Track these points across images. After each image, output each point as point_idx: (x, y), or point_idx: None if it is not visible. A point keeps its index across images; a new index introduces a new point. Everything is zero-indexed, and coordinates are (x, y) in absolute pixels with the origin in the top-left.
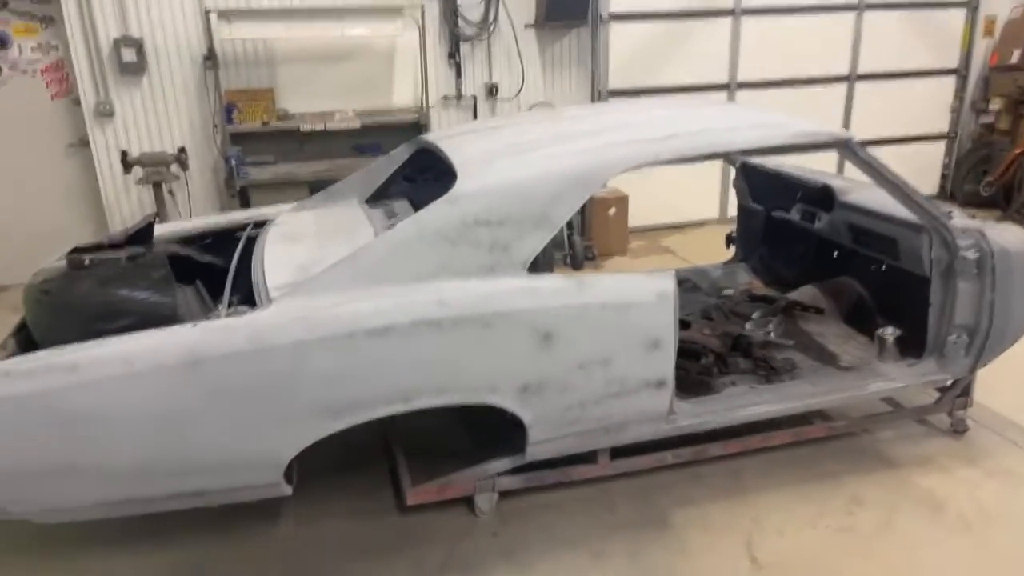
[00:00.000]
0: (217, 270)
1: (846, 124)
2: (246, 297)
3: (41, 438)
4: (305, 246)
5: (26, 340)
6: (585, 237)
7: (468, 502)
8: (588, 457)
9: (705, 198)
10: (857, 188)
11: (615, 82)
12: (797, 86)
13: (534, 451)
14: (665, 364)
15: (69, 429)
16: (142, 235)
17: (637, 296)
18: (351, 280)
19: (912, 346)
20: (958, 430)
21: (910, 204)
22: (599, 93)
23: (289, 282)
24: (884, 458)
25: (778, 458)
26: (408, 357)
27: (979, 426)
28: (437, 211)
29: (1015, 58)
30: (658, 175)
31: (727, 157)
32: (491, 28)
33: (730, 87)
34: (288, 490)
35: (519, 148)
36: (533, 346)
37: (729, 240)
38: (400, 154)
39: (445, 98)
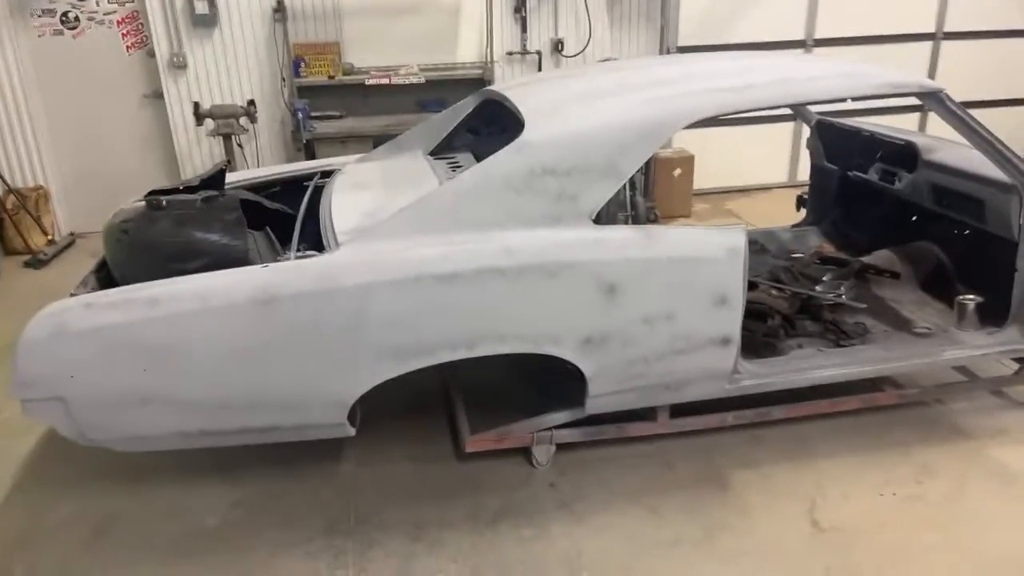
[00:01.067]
0: (285, 217)
1: None
2: (312, 244)
3: (122, 368)
4: (371, 194)
5: (106, 278)
6: (648, 198)
7: (525, 453)
8: (647, 414)
9: (774, 161)
10: (943, 146)
11: (685, 39)
12: (878, 43)
13: (593, 404)
14: (732, 322)
15: (148, 360)
16: (214, 181)
17: (706, 251)
18: (417, 226)
19: (994, 315)
20: None
21: (1003, 162)
22: (668, 49)
23: (356, 227)
24: (957, 429)
25: (845, 425)
26: (472, 304)
27: None
28: (504, 159)
29: None
30: (725, 136)
31: (802, 114)
32: None
33: (806, 44)
34: (351, 431)
35: (588, 97)
36: (597, 298)
37: (800, 202)
38: (465, 106)
39: (510, 54)
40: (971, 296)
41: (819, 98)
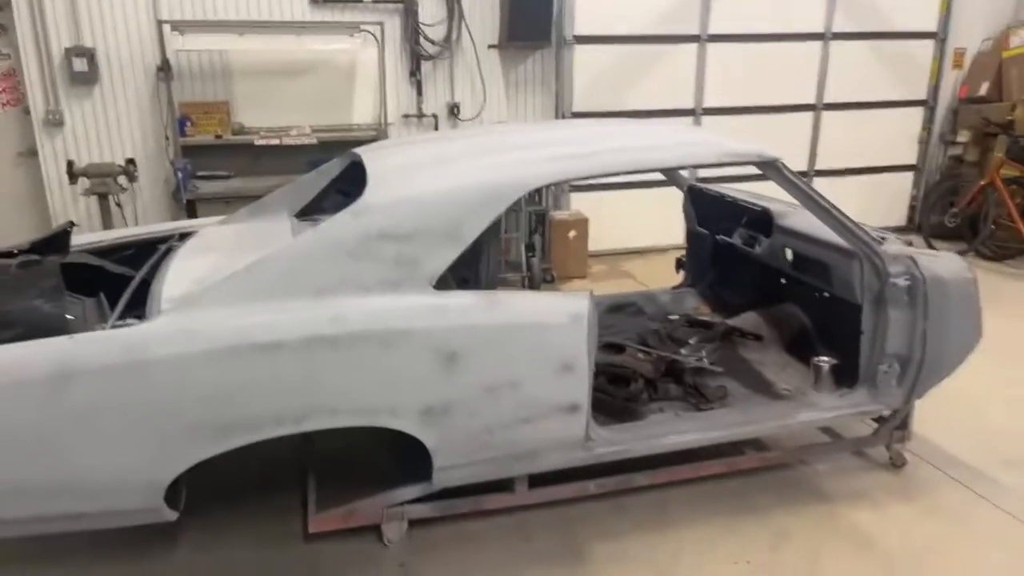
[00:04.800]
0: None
1: (812, 152)
2: None
3: None
4: (215, 259)
5: None
6: (544, 259)
7: (378, 530)
8: (506, 485)
9: (669, 224)
10: (796, 212)
11: (580, 105)
12: (764, 113)
13: (441, 478)
14: (578, 388)
15: None
16: (55, 243)
17: (549, 317)
18: (246, 293)
19: (849, 376)
20: (896, 464)
21: (839, 228)
22: (564, 114)
23: (183, 294)
24: (816, 491)
25: (706, 490)
26: (298, 376)
27: (920, 461)
28: (339, 223)
29: (983, 91)
30: (619, 199)
31: (674, 179)
32: (453, 47)
33: (696, 112)
34: (172, 515)
35: (434, 161)
36: (437, 367)
37: (679, 265)
38: (332, 167)
39: (405, 116)
40: (825, 358)
41: (658, 166)
